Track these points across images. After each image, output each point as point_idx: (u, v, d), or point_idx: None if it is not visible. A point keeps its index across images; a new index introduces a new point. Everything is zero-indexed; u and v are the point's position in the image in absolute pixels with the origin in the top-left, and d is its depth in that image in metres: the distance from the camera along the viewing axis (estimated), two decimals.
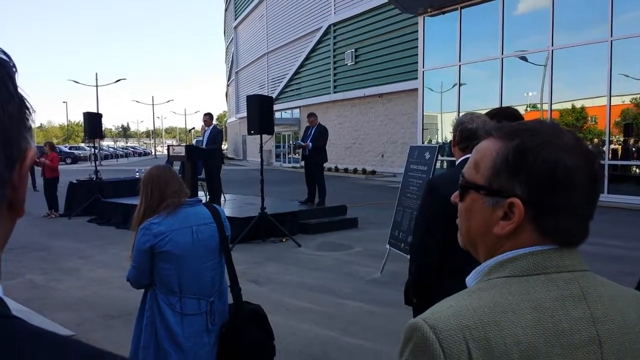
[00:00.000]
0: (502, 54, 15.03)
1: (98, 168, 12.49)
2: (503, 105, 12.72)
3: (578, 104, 13.79)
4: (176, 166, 8.34)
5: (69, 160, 39.47)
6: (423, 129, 18.07)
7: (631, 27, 12.19)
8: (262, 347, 2.57)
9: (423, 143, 17.05)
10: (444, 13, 16.78)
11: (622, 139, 13.00)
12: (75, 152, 43.98)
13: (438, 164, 6.07)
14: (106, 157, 46.96)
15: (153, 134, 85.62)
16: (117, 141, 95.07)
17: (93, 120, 11.81)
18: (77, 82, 42.99)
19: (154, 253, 2.35)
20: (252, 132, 8.05)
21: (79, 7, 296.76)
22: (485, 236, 0.85)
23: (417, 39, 18.15)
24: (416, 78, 18.37)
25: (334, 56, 25.86)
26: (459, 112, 15.98)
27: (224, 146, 43.77)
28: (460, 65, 16.43)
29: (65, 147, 47.30)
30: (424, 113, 18.05)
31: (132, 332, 2.51)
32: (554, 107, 13.95)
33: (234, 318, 2.56)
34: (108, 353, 0.52)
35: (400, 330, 0.79)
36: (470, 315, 0.74)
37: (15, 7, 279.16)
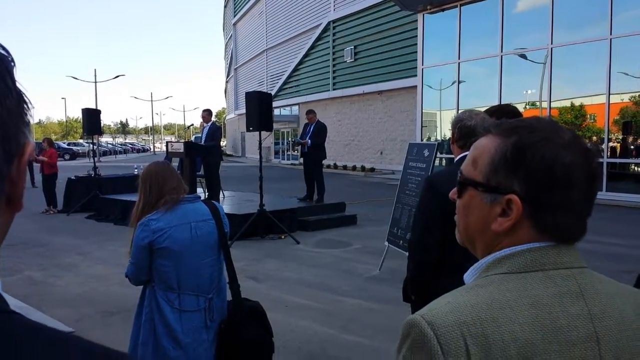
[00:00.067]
0: (502, 51, 15.03)
1: (96, 164, 12.48)
2: (502, 103, 12.71)
3: (577, 102, 13.81)
4: (175, 163, 8.34)
5: (67, 157, 39.43)
6: (422, 127, 18.08)
7: (631, 25, 12.19)
8: (261, 344, 2.57)
9: (422, 140, 17.06)
10: (443, 10, 16.77)
11: (620, 137, 13.01)
12: (74, 148, 43.90)
13: (437, 162, 6.07)
14: (105, 154, 46.88)
15: (152, 130, 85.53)
16: (115, 137, 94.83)
17: (92, 117, 11.80)
18: (76, 78, 43.02)
19: (152, 249, 2.35)
20: (251, 128, 8.04)
21: (78, 7, 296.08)
22: (483, 233, 0.85)
23: (416, 36, 18.13)
24: (415, 75, 18.37)
25: (333, 53, 25.83)
26: (458, 110, 15.97)
27: (223, 143, 43.73)
28: (459, 63, 16.42)
29: (64, 143, 47.20)
30: (423, 110, 18.05)
31: (131, 329, 2.52)
32: (553, 104, 13.96)
33: (233, 315, 2.57)
34: (108, 349, 0.52)
35: (399, 327, 0.79)
36: (468, 312, 0.75)
37: (15, 7, 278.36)
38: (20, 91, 0.53)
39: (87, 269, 6.54)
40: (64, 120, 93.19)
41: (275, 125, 12.01)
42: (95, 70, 42.34)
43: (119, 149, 57.62)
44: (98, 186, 11.53)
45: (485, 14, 15.64)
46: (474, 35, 16.18)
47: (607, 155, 12.76)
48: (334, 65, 25.88)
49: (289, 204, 9.56)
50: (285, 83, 31.34)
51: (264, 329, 2.63)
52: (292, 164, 28.01)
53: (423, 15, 17.45)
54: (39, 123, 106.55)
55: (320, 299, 5.24)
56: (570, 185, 0.79)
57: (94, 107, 21.79)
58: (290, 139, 30.22)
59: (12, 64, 0.53)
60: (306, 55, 28.52)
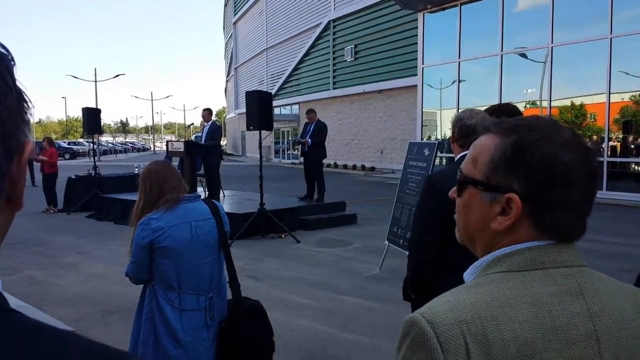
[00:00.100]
0: (502, 50, 15.02)
1: (97, 163, 12.49)
2: (502, 102, 12.71)
3: (577, 101, 13.80)
4: (175, 162, 8.34)
5: (67, 156, 39.43)
6: (422, 126, 18.07)
7: (631, 25, 12.19)
8: (262, 343, 2.57)
9: (422, 139, 17.05)
10: (443, 9, 16.76)
11: (621, 136, 13.01)
12: (74, 147, 43.89)
13: (437, 161, 6.07)
14: (105, 153, 46.89)
15: (152, 129, 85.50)
16: (115, 137, 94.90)
17: (92, 116, 11.80)
18: (76, 78, 43.02)
19: (152, 248, 2.35)
20: (251, 128, 8.04)
21: (78, 7, 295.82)
22: (483, 231, 0.85)
23: (416, 35, 18.12)
24: (416, 74, 18.36)
25: (334, 52, 25.82)
26: (458, 109, 15.97)
27: (223, 142, 43.71)
28: (459, 62, 16.41)
29: (64, 142, 47.19)
30: (424, 109, 18.04)
31: (131, 328, 2.52)
32: (554, 104, 13.96)
33: (233, 314, 2.57)
34: (108, 347, 0.52)
35: (399, 326, 0.79)
36: (468, 310, 0.75)
37: (15, 7, 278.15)
38: (20, 90, 0.53)
39: (88, 268, 6.54)
40: (64, 119, 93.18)
41: (275, 125, 12.01)
42: (95, 69, 42.38)
43: (119, 148, 57.63)
44: (98, 185, 11.53)
45: (486, 13, 15.64)
46: (474, 34, 16.17)
47: (608, 155, 12.75)
48: (334, 65, 25.88)
49: (289, 203, 9.56)
50: (285, 82, 31.33)
51: (265, 328, 2.63)
52: (292, 163, 28.00)
53: (423, 14, 17.44)
54: (39, 122, 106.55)
55: (320, 298, 5.24)
56: (570, 184, 0.79)
57: (94, 106, 21.79)
58: (290, 138, 30.22)
59: (12, 62, 0.53)
60: (306, 54, 28.51)
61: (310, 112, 10.48)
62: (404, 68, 20.65)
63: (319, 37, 27.11)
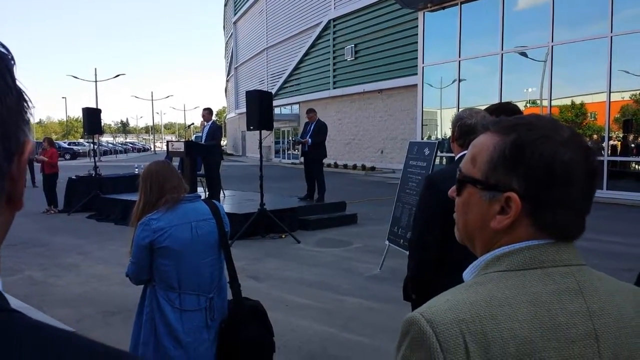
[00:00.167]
0: (502, 49, 15.01)
1: (97, 164, 12.49)
2: (503, 101, 12.71)
3: (578, 100, 13.80)
4: (175, 162, 8.34)
5: (68, 156, 39.46)
6: (422, 125, 18.06)
7: (631, 23, 12.18)
8: (262, 344, 2.57)
9: (422, 139, 17.04)
10: (444, 8, 16.76)
11: (621, 135, 13.00)
12: (75, 147, 43.92)
13: (437, 160, 6.07)
14: (105, 153, 46.91)
15: (152, 129, 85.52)
16: (116, 137, 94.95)
17: (92, 116, 11.80)
18: (76, 78, 43.06)
19: (153, 249, 2.35)
20: (252, 127, 8.03)
21: (78, 7, 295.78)
22: (482, 230, 0.85)
23: (416, 34, 18.12)
24: (416, 74, 18.36)
25: (334, 52, 25.82)
26: (458, 108, 15.97)
27: (223, 142, 43.73)
28: (460, 61, 16.41)
29: (65, 142, 47.22)
30: (424, 109, 18.04)
31: (132, 328, 2.52)
32: (554, 103, 13.95)
33: (234, 314, 2.57)
34: (108, 347, 0.52)
35: (400, 326, 0.79)
36: (467, 309, 0.75)
37: (15, 7, 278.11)
38: (20, 89, 0.53)
39: (88, 269, 6.54)
40: (65, 119, 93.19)
41: (275, 124, 12.02)
42: (95, 69, 42.40)
43: (120, 148, 57.63)
44: (99, 186, 11.53)
45: (486, 12, 15.63)
46: (475, 33, 16.16)
47: (608, 154, 12.75)
48: (334, 64, 25.88)
49: (289, 203, 9.56)
50: (285, 82, 31.33)
51: (265, 328, 2.63)
52: (292, 163, 28.01)
53: (423, 13, 17.43)
54: (40, 123, 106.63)
55: (320, 298, 5.24)
56: (570, 183, 0.79)
57: (94, 106, 21.79)
58: (290, 138, 30.22)
59: (12, 62, 0.53)
60: (306, 53, 28.51)
61: (311, 111, 10.48)
62: (404, 67, 20.65)
63: (319, 37, 27.11)
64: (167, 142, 9.52)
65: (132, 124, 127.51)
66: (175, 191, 2.43)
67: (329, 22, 26.05)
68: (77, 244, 8.03)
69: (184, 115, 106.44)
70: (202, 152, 9.47)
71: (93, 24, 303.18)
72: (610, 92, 12.61)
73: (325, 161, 10.84)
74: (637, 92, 12.46)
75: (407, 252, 2.40)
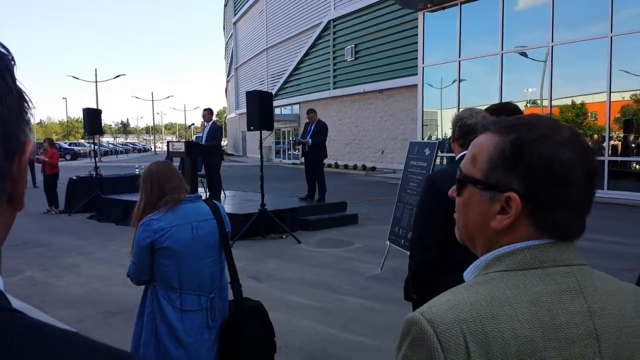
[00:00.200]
0: (502, 49, 15.01)
1: (98, 164, 12.50)
2: (503, 101, 12.70)
3: (578, 100, 13.79)
4: (176, 162, 8.34)
5: (68, 157, 39.50)
6: (423, 125, 18.06)
7: (631, 23, 12.18)
8: (263, 344, 2.57)
9: (423, 139, 17.04)
10: (444, 9, 16.75)
11: (622, 135, 13.00)
12: (75, 148, 43.95)
13: (438, 160, 6.07)
14: (106, 154, 46.94)
15: (152, 130, 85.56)
16: (116, 137, 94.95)
17: (92, 117, 11.81)
18: (77, 78, 43.11)
19: (154, 249, 2.35)
20: (252, 128, 8.04)
21: (78, 7, 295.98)
22: (483, 230, 0.85)
23: (417, 34, 18.12)
24: (416, 74, 18.36)
25: (334, 52, 25.82)
26: (458, 108, 15.97)
27: (224, 142, 43.76)
28: (460, 61, 16.41)
29: (65, 143, 47.25)
30: (424, 109, 18.04)
31: (133, 329, 2.52)
32: (554, 103, 13.95)
33: (235, 314, 2.57)
34: (110, 347, 0.52)
35: (400, 326, 0.79)
36: (468, 309, 0.75)
37: (15, 7, 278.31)
38: (20, 90, 0.53)
39: (89, 270, 6.54)
40: (65, 120, 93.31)
41: (276, 125, 12.03)
42: (96, 70, 42.42)
43: (120, 148, 57.67)
44: (99, 186, 11.54)
45: (486, 12, 15.63)
46: (475, 33, 16.16)
47: (609, 154, 12.74)
48: (334, 64, 25.88)
49: (290, 204, 9.56)
50: (285, 82, 31.34)
51: (266, 328, 2.62)
52: (293, 164, 28.01)
53: (423, 13, 17.43)
54: (40, 123, 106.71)
55: (321, 299, 5.24)
56: (569, 183, 0.79)
57: (94, 107, 21.80)
58: (291, 139, 30.23)
59: (13, 62, 0.53)
60: (306, 54, 28.52)
61: (311, 112, 10.48)
62: (404, 67, 20.65)
63: (319, 37, 27.12)
64: (168, 142, 9.53)
65: (132, 124, 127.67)
66: (176, 191, 2.43)
67: (329, 22, 26.06)
68: (78, 244, 8.03)
69: (185, 115, 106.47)
70: (203, 152, 9.48)
71: (93, 24, 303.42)
72: (610, 92, 12.60)
73: (326, 161, 10.85)
74: (638, 92, 12.45)
75: (408, 253, 2.40)
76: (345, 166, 23.57)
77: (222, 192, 10.23)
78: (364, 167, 22.20)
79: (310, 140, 10.03)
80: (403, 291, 2.43)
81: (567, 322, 0.75)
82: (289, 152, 31.24)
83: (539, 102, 14.51)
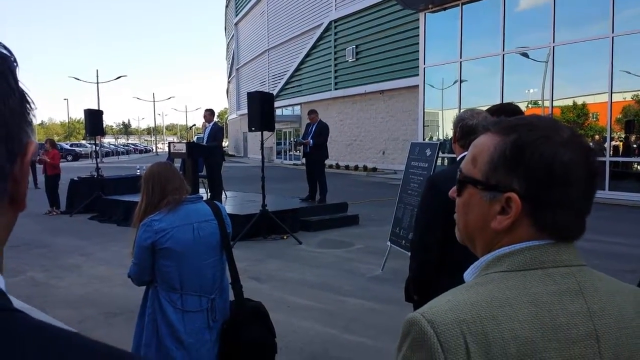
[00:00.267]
0: (503, 50, 15.01)
1: (99, 165, 12.52)
2: (504, 102, 12.68)
3: (579, 101, 13.78)
4: (177, 163, 8.34)
5: (70, 158, 39.49)
6: (424, 126, 18.07)
7: (633, 24, 12.17)
8: (264, 345, 2.57)
9: (424, 140, 17.04)
10: (445, 9, 16.76)
11: (623, 136, 12.98)
12: (77, 149, 43.95)
13: (439, 161, 6.07)
14: (107, 154, 46.96)
15: (154, 131, 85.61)
16: (118, 138, 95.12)
17: (94, 117, 11.82)
18: (78, 79, 43.12)
19: (155, 250, 2.35)
20: (253, 129, 8.04)
21: (78, 7, 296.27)
22: (483, 231, 0.85)
23: (418, 35, 18.13)
24: (417, 75, 18.36)
25: (335, 53, 25.83)
26: (460, 109, 15.96)
27: (225, 143, 43.75)
28: (461, 62, 16.41)
29: (67, 144, 47.29)
30: (425, 110, 18.04)
31: (134, 330, 2.52)
32: (555, 103, 13.94)
33: (236, 315, 2.57)
34: (111, 347, 0.53)
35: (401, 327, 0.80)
36: (468, 310, 0.75)
37: (15, 7, 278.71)
38: (22, 91, 0.53)
39: (90, 270, 6.55)
40: (67, 121, 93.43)
41: (277, 126, 12.03)
42: (97, 71, 42.43)
43: (122, 149, 57.66)
44: (101, 187, 11.55)
45: (487, 13, 15.63)
46: (476, 34, 16.16)
47: (610, 154, 12.73)
48: (335, 65, 25.89)
49: (291, 204, 9.56)
50: (287, 83, 31.36)
51: (267, 329, 2.63)
52: (294, 164, 28.01)
53: (425, 14, 17.44)
54: (42, 124, 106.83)
55: (322, 299, 5.24)
56: (569, 183, 0.79)
57: (96, 108, 21.85)
58: (292, 139, 30.24)
59: (15, 63, 0.53)
60: (308, 55, 28.53)
61: (312, 112, 10.49)
62: (405, 68, 20.65)
63: (320, 38, 27.13)
64: (169, 143, 9.54)
65: (133, 125, 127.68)
66: (177, 192, 2.43)
67: (330, 23, 26.07)
68: (79, 245, 8.04)
69: (186, 116, 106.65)
70: (204, 153, 9.49)
71: (93, 24, 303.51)
72: (612, 93, 12.60)
73: (327, 162, 10.85)
74: (639, 92, 12.44)
75: (409, 253, 2.40)
76: (347, 167, 23.57)
77: (223, 192, 10.24)
78: (365, 168, 22.20)
79: (311, 141, 10.03)
80: (404, 292, 2.43)
81: (567, 322, 0.75)
82: (290, 152, 31.25)
83: (540, 102, 14.50)
